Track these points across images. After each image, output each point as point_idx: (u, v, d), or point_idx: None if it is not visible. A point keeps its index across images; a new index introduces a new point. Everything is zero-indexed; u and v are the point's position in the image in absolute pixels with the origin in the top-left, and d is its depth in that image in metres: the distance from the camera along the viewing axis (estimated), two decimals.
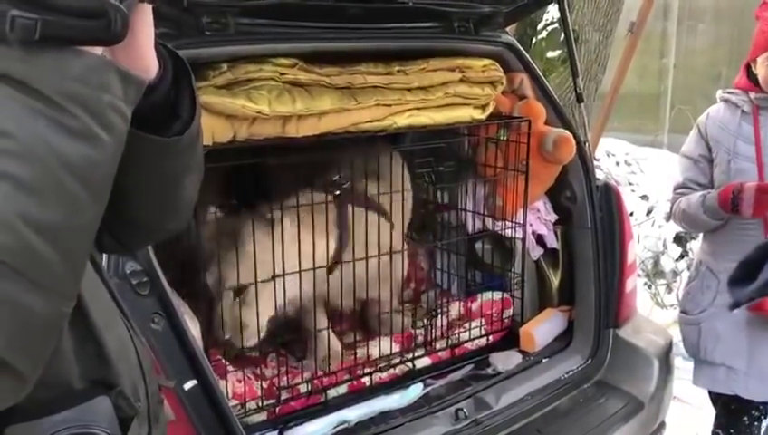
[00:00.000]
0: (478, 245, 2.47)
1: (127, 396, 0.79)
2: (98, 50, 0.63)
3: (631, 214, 5.88)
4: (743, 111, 2.18)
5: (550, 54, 6.69)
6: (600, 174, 7.31)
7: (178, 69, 0.79)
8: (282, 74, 1.75)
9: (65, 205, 0.60)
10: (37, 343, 0.61)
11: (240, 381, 1.79)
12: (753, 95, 2.16)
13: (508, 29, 5.14)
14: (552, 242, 2.40)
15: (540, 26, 6.85)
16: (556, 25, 6.76)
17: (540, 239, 2.41)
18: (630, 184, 6.87)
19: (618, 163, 7.14)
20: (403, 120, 1.91)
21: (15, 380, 0.60)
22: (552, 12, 6.65)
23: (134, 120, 0.68)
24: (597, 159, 7.05)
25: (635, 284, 2.34)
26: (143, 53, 0.70)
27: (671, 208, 2.31)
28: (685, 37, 8.17)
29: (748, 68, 2.19)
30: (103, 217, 0.74)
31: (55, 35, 0.58)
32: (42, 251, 0.58)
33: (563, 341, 2.28)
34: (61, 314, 0.63)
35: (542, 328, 2.28)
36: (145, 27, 0.69)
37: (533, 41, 6.92)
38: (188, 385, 1.44)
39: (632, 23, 5.31)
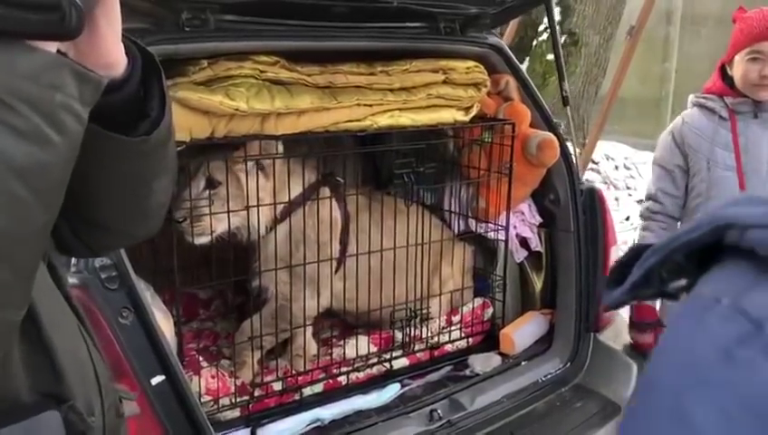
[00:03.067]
0: None
1: (79, 411, 0.75)
2: (52, 46, 0.60)
3: (627, 218, 5.87)
4: (720, 116, 2.16)
5: (550, 56, 6.68)
6: (597, 177, 7.25)
7: (148, 66, 0.76)
8: (262, 72, 1.75)
9: (11, 211, 0.57)
10: None
11: (213, 378, 1.79)
12: (729, 100, 2.14)
13: (508, 31, 5.11)
14: (536, 245, 2.39)
15: (540, 28, 6.85)
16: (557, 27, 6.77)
17: (524, 242, 2.40)
18: (628, 188, 6.87)
19: (617, 167, 7.13)
20: (384, 121, 1.91)
21: None
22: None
23: (100, 119, 0.66)
24: (596, 163, 7.05)
25: None
26: (108, 47, 0.67)
27: (641, 225, 2.32)
28: (687, 42, 8.16)
29: (722, 71, 2.18)
30: (70, 221, 0.75)
31: (4, 29, 0.56)
32: None
33: (544, 344, 2.28)
34: (8, 322, 0.61)
35: (523, 331, 2.28)
36: (110, 20, 0.67)
37: (534, 42, 6.92)
38: (156, 380, 1.44)
39: (631, 26, 5.29)
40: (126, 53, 0.71)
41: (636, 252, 0.44)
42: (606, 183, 6.39)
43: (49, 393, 0.73)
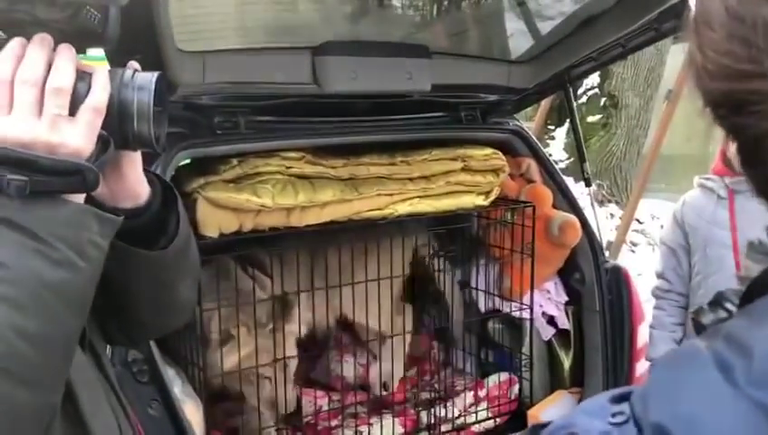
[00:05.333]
0: (490, 324, 2.49)
1: None
2: (80, 197, 0.78)
3: None
4: (719, 195, 2.20)
5: (590, 119, 6.74)
6: (642, 239, 7.09)
7: (167, 192, 0.94)
8: (288, 168, 1.87)
9: (47, 318, 0.74)
10: (27, 430, 0.74)
11: None
12: (728, 180, 2.18)
13: None
14: (564, 323, 2.41)
15: (580, 91, 6.92)
16: (596, 90, 6.83)
17: (551, 320, 2.42)
18: None
19: (662, 226, 7.02)
20: (404, 208, 1.99)
21: None
22: (592, 77, 6.73)
23: (128, 237, 0.84)
24: (641, 223, 6.96)
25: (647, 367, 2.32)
26: (132, 184, 0.87)
27: (654, 304, 2.34)
28: None
29: (724, 154, 2.22)
30: (113, 316, 0.94)
31: (43, 190, 0.74)
32: (30, 356, 0.72)
33: None
34: (47, 403, 0.76)
35: (550, 411, 2.27)
36: (132, 166, 0.86)
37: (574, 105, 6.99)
38: None
39: (670, 90, 5.32)
40: (150, 182, 0.90)
41: (534, 431, 0.50)
42: (651, 244, 6.29)
43: None
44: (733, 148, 2.15)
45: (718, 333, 0.44)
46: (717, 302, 0.52)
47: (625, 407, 0.45)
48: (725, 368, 0.40)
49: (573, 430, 0.45)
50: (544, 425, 0.50)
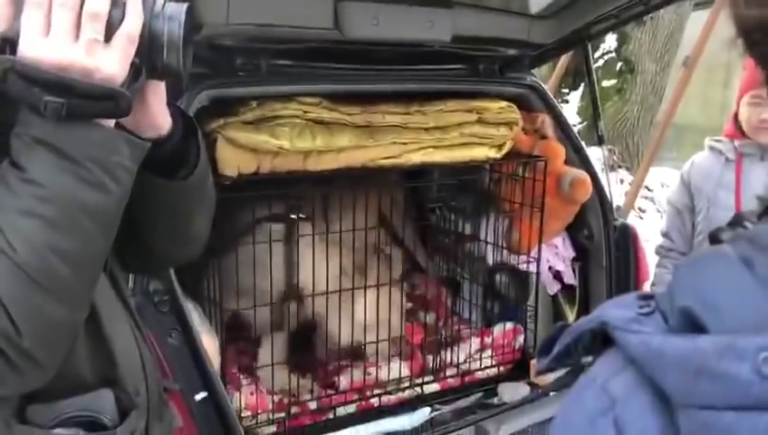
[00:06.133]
0: (497, 277, 2.54)
1: (128, 392, 0.95)
2: (111, 121, 0.81)
3: None
4: (727, 158, 2.23)
5: (605, 83, 6.68)
6: (650, 206, 7.10)
7: (188, 126, 0.97)
8: (305, 112, 1.89)
9: (79, 237, 0.78)
10: (56, 342, 0.80)
11: (252, 394, 1.93)
12: (737, 142, 2.21)
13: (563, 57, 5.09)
14: (570, 278, 2.45)
15: (596, 55, 6.85)
16: (613, 54, 6.76)
17: (558, 275, 2.47)
18: None
19: None
20: (418, 158, 2.03)
21: (38, 369, 0.78)
22: (609, 41, 6.66)
23: (150, 166, 0.88)
24: (650, 190, 6.95)
25: None
26: (155, 114, 0.90)
27: (657, 262, 2.38)
28: None
29: (736, 117, 2.24)
30: (130, 242, 0.96)
31: (78, 113, 0.77)
32: (61, 271, 0.77)
33: (574, 376, 2.33)
34: (75, 320, 0.82)
35: None
36: (157, 96, 0.89)
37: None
38: (199, 396, 1.58)
39: (687, 56, 5.25)
40: (172, 116, 0.93)
41: (560, 329, 0.54)
42: (659, 212, 6.31)
43: (106, 377, 0.94)
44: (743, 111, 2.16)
45: (741, 238, 0.48)
46: (737, 221, 0.56)
47: (651, 302, 0.49)
48: (748, 262, 0.44)
49: (603, 319, 0.49)
50: (569, 325, 0.54)
